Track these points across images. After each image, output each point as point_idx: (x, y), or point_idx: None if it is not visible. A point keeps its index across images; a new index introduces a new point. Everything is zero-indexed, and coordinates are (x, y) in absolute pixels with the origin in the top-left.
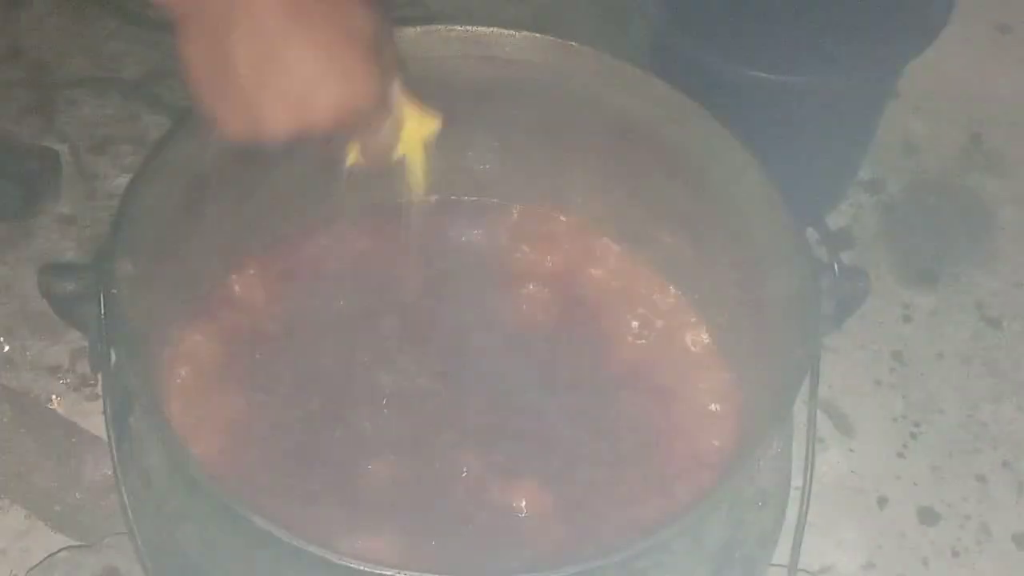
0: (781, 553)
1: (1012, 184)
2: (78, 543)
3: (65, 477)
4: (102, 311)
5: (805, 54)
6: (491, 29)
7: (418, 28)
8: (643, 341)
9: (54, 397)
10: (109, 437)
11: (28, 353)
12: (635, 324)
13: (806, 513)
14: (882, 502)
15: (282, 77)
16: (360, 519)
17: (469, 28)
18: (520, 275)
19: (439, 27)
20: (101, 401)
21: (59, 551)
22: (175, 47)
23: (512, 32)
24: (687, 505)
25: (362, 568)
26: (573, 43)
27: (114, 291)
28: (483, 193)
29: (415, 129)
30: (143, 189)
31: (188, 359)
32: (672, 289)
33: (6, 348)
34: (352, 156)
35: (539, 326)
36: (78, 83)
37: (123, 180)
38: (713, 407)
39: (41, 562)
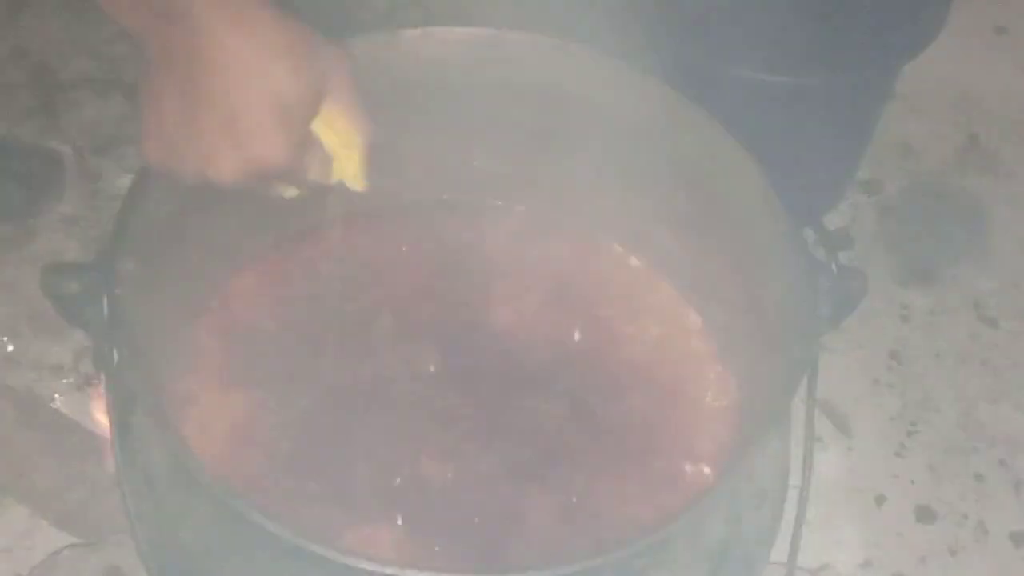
0: (779, 551)
1: (1009, 184)
2: (81, 542)
3: (68, 476)
4: (105, 311)
5: (804, 54)
6: (491, 31)
7: (418, 30)
8: (643, 341)
9: (57, 396)
10: (112, 436)
11: (31, 352)
12: (635, 324)
13: (804, 512)
14: (880, 501)
15: (196, 128)
16: (360, 518)
17: (469, 30)
18: (520, 276)
19: (439, 28)
20: (104, 400)
21: (62, 549)
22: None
23: (512, 34)
24: (686, 504)
25: (362, 567)
26: (573, 44)
27: (117, 291)
28: (484, 194)
29: (345, 160)
30: (146, 190)
31: (190, 359)
32: (672, 289)
33: (9, 347)
34: (286, 191)
35: (539, 327)
36: (81, 84)
37: (126, 180)
38: (712, 406)
39: (44, 560)
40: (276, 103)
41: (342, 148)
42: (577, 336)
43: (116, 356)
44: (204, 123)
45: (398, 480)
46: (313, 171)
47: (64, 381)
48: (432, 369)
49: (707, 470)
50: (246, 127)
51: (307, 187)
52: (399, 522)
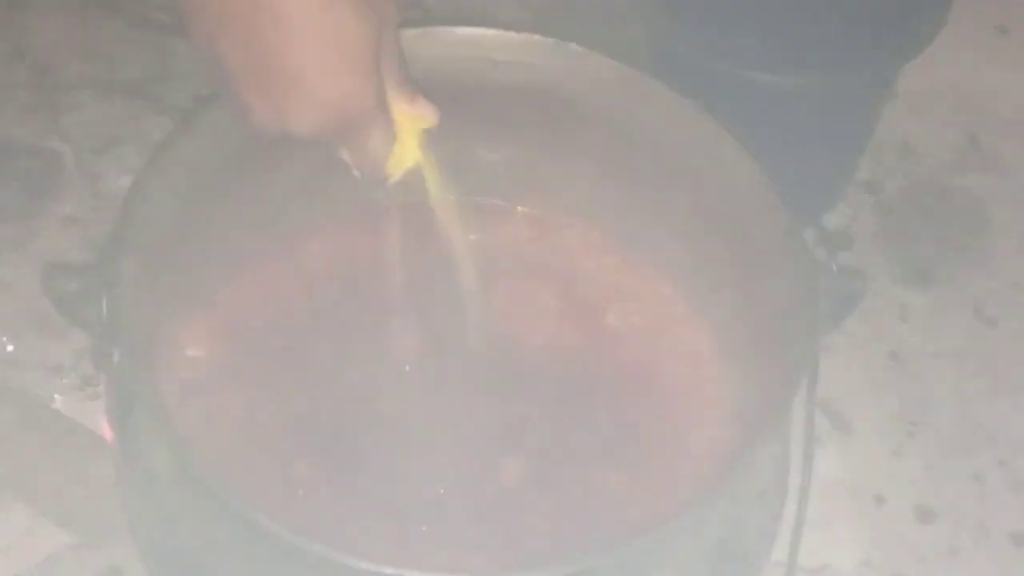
0: (779, 551)
1: (1009, 185)
2: (81, 541)
3: (67, 476)
4: (105, 311)
5: (804, 54)
6: (491, 31)
7: (418, 30)
8: (642, 341)
9: (57, 396)
10: (112, 436)
11: (31, 353)
12: (635, 324)
13: (804, 511)
14: (879, 500)
15: (265, 82)
16: (359, 518)
17: (469, 30)
18: (519, 276)
19: (439, 28)
20: (104, 400)
21: (61, 549)
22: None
23: (512, 34)
24: (686, 504)
25: (362, 567)
26: (573, 44)
27: (117, 291)
28: (483, 194)
29: (410, 137)
30: (146, 190)
31: (190, 359)
32: (671, 289)
33: (9, 348)
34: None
35: (538, 327)
36: (80, 84)
37: (126, 181)
38: (711, 406)
39: (43, 560)
40: (339, 46)
41: (407, 127)
42: (576, 336)
43: (116, 356)
44: (272, 76)
45: (396, 480)
46: (375, 141)
47: (64, 381)
48: (430, 370)
49: (706, 470)
50: (314, 73)
51: (371, 159)
52: (398, 522)
